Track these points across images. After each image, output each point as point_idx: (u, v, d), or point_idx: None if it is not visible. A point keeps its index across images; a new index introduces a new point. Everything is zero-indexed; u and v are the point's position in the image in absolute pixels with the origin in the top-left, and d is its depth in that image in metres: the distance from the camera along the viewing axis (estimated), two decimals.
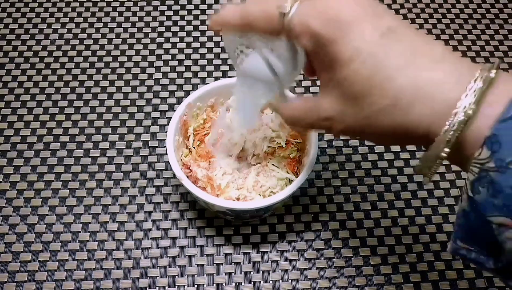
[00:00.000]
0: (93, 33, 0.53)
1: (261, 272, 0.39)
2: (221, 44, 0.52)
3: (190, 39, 0.53)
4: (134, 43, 0.52)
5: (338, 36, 0.24)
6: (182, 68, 0.50)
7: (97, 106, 0.48)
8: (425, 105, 0.23)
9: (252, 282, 0.39)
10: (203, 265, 0.39)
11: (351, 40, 0.24)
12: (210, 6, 0.55)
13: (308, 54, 0.26)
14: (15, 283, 0.38)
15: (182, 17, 0.54)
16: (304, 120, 0.28)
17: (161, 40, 0.52)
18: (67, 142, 0.45)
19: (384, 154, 0.45)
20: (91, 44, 0.52)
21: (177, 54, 0.51)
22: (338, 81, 0.25)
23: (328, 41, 0.24)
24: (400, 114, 0.23)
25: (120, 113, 0.47)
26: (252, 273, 0.39)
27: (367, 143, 0.46)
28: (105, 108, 0.47)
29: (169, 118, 0.45)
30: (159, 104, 0.48)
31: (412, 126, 0.23)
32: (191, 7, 0.55)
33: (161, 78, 0.50)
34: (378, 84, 0.23)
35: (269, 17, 0.26)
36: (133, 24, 0.54)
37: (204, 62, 0.51)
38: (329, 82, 0.26)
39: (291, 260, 0.40)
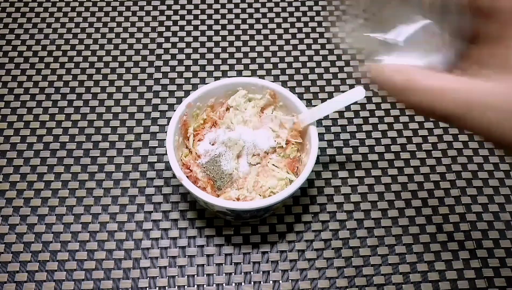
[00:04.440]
0: (92, 33, 0.53)
1: (261, 272, 0.39)
2: (221, 44, 0.52)
3: (190, 39, 0.53)
4: (134, 43, 0.52)
5: None
6: (182, 68, 0.50)
7: (97, 106, 0.48)
8: None
9: (252, 282, 0.39)
10: (203, 265, 0.39)
11: None
12: (210, 6, 0.55)
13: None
14: (15, 283, 0.38)
15: (182, 17, 0.54)
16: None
17: (161, 40, 0.52)
18: (67, 142, 0.45)
19: (385, 154, 0.45)
20: (91, 44, 0.52)
21: (177, 54, 0.51)
22: None
23: None
24: None
25: (120, 113, 0.47)
26: (252, 273, 0.39)
27: (367, 142, 0.46)
28: (105, 108, 0.47)
29: (169, 118, 0.45)
30: (159, 104, 0.48)
31: None
32: (191, 6, 0.55)
33: (161, 78, 0.49)
34: None
35: None
36: (133, 24, 0.54)
37: (204, 62, 0.51)
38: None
39: (291, 260, 0.40)
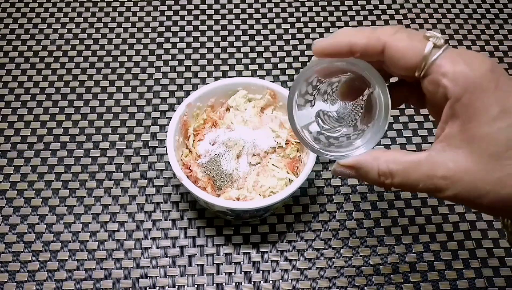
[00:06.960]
0: (93, 33, 0.53)
1: (261, 272, 0.39)
2: (221, 44, 0.52)
3: (190, 39, 0.53)
4: (134, 43, 0.52)
5: (492, 87, 0.22)
6: (182, 68, 0.50)
7: (97, 106, 0.48)
8: None
9: (252, 282, 0.39)
10: (203, 265, 0.39)
11: (503, 98, 0.22)
12: (210, 6, 0.55)
13: (436, 99, 0.23)
14: (15, 283, 0.38)
15: (182, 17, 0.54)
16: (408, 177, 0.23)
17: (161, 40, 0.52)
18: (67, 142, 0.45)
19: None
20: (91, 44, 0.52)
21: (177, 54, 0.51)
22: (475, 136, 0.22)
23: (481, 89, 0.22)
24: None
25: (120, 113, 0.47)
26: (252, 273, 0.39)
27: None
28: (105, 108, 0.48)
29: (169, 118, 0.45)
30: (159, 104, 0.48)
31: None
32: (191, 7, 0.55)
33: (161, 78, 0.50)
34: None
35: (412, 47, 0.23)
36: (133, 24, 0.54)
37: (204, 62, 0.51)
38: (461, 135, 0.22)
39: (291, 260, 0.40)
